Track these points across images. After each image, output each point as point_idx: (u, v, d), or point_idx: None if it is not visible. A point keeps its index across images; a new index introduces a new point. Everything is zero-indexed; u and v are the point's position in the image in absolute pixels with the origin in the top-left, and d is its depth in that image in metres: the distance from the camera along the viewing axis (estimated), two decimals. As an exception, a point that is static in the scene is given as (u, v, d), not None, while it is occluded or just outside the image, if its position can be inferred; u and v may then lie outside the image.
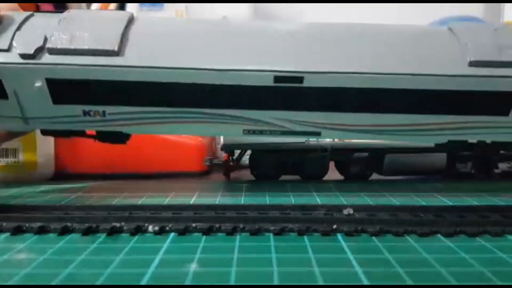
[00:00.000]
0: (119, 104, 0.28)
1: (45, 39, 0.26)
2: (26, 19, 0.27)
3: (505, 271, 0.19)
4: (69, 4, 0.54)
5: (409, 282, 0.18)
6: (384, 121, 0.28)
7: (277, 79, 0.26)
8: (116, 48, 0.26)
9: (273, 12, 0.67)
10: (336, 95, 0.27)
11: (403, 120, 0.28)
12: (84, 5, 0.54)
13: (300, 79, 0.26)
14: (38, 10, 0.53)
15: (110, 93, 0.27)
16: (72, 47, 0.26)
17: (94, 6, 0.54)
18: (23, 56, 0.26)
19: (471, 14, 0.54)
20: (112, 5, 0.53)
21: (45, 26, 0.27)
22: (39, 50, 0.26)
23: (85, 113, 0.28)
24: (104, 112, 0.28)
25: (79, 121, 0.28)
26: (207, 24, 0.28)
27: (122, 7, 0.53)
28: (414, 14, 0.65)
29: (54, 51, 0.26)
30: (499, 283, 0.18)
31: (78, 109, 0.28)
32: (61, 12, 0.29)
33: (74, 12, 0.28)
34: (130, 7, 0.53)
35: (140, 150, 0.42)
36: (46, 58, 0.26)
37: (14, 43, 0.26)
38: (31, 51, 0.26)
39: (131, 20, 0.28)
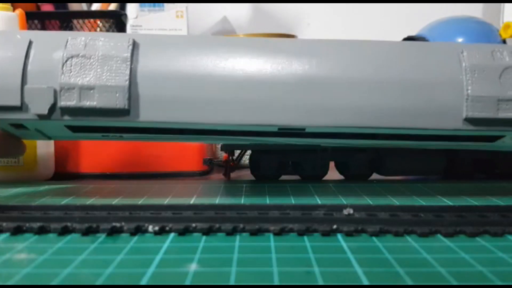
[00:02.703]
0: (135, 133, 0.29)
1: (55, 93, 0.26)
2: (26, 55, 0.26)
3: (506, 271, 0.19)
4: (70, 4, 0.54)
5: (409, 282, 0.18)
6: (380, 144, 0.31)
7: (280, 128, 0.27)
8: (126, 106, 0.26)
9: (273, 12, 0.67)
10: (336, 134, 0.29)
11: (399, 144, 0.30)
12: (84, 5, 0.55)
13: (302, 129, 0.27)
14: (38, 10, 0.53)
15: (125, 129, 0.28)
16: (82, 105, 0.26)
17: (95, 6, 0.54)
18: (39, 116, 0.26)
19: (471, 14, 0.54)
20: (113, 5, 0.53)
21: (51, 71, 0.26)
22: (52, 109, 0.26)
23: (104, 136, 0.30)
24: (121, 136, 0.29)
25: (98, 138, 0.31)
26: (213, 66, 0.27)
27: (122, 7, 0.53)
28: (414, 14, 0.65)
29: (66, 111, 0.26)
30: (499, 283, 0.18)
31: (97, 135, 0.29)
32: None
33: (73, 44, 0.27)
34: (130, 7, 0.53)
35: (140, 150, 0.42)
36: (61, 115, 0.26)
37: (25, 101, 0.26)
38: (45, 112, 0.26)
39: (134, 49, 0.27)
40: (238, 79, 0.27)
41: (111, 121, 0.27)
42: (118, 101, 0.26)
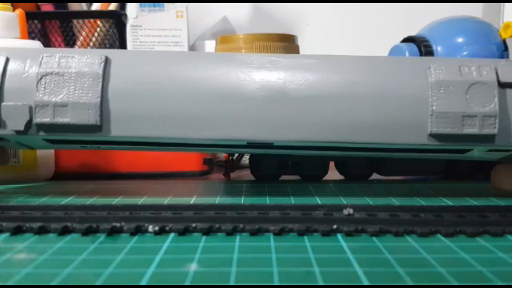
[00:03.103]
0: (113, 145, 0.30)
1: (30, 110, 0.27)
2: (3, 72, 0.27)
3: (506, 271, 0.19)
4: (70, 4, 0.54)
5: (409, 282, 0.18)
6: (351, 154, 0.32)
7: (249, 142, 0.28)
8: (98, 122, 0.27)
9: (273, 12, 0.67)
10: (303, 147, 0.29)
11: (369, 155, 0.31)
12: (84, 5, 0.55)
13: (270, 143, 0.28)
14: (38, 10, 0.53)
15: (102, 142, 0.29)
16: (56, 121, 0.27)
17: (95, 6, 0.54)
18: (16, 132, 0.27)
19: (471, 14, 0.54)
20: (112, 5, 0.53)
21: (26, 89, 0.27)
22: (29, 125, 0.27)
23: (83, 147, 0.31)
24: (99, 147, 0.31)
25: (77, 148, 0.32)
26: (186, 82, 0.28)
27: (122, 7, 0.53)
28: (414, 14, 0.65)
29: (41, 127, 0.27)
30: (499, 283, 0.18)
31: (76, 146, 0.31)
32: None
33: (47, 62, 0.27)
34: (130, 7, 0.53)
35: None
36: (36, 131, 0.27)
37: (2, 117, 0.27)
38: (22, 128, 0.27)
39: (106, 66, 0.28)
40: (207, 95, 0.27)
41: (84, 136, 0.28)
42: (90, 118, 0.27)
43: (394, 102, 0.27)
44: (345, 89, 0.27)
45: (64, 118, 0.27)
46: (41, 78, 0.27)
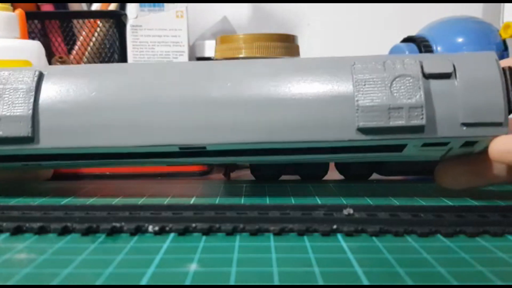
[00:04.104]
0: (53, 160, 0.31)
1: None
2: None
3: (506, 271, 0.19)
4: (70, 4, 0.54)
5: (409, 282, 0.18)
6: (287, 160, 0.32)
7: (181, 148, 0.29)
8: (29, 134, 0.28)
9: (273, 12, 0.67)
10: (236, 150, 0.29)
11: (306, 158, 0.31)
12: (84, 5, 0.55)
13: (203, 147, 0.29)
14: (38, 10, 0.53)
15: (38, 158, 0.30)
16: None
17: (95, 6, 0.54)
18: None
19: (471, 14, 0.54)
20: (112, 5, 0.53)
21: None
22: None
23: (24, 165, 0.32)
24: (40, 164, 0.31)
25: (19, 167, 0.32)
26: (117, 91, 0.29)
27: (122, 7, 0.53)
28: (414, 14, 0.65)
29: None
30: (499, 283, 0.18)
31: (17, 164, 0.31)
32: None
33: None
34: (130, 7, 0.53)
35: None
36: None
37: None
38: None
39: (39, 80, 0.29)
40: (136, 103, 0.28)
41: (17, 149, 0.28)
42: (22, 130, 0.28)
43: (321, 100, 0.27)
44: (271, 90, 0.28)
45: None
46: None
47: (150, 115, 0.28)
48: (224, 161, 0.32)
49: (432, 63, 0.27)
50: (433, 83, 0.27)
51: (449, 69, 0.27)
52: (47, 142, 0.28)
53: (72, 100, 0.28)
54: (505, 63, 0.29)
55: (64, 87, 0.29)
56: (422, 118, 0.26)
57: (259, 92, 0.28)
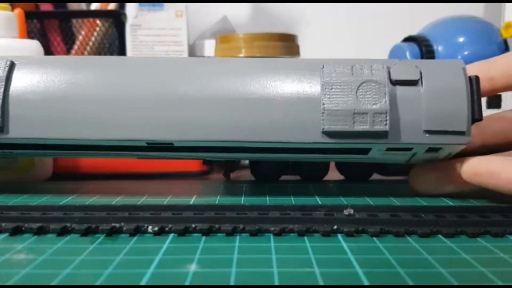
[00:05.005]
0: (25, 149, 0.31)
1: None
2: None
3: (507, 271, 0.19)
4: (69, 4, 0.54)
5: (410, 283, 0.17)
6: (256, 157, 0.32)
7: (149, 143, 0.29)
8: None
9: (273, 11, 0.67)
10: (203, 147, 0.30)
11: (273, 157, 0.32)
12: (83, 4, 0.54)
13: (170, 143, 0.29)
14: (37, 9, 0.53)
15: (7, 146, 0.30)
16: None
17: (94, 5, 0.54)
18: None
19: (472, 14, 0.54)
20: (112, 5, 0.53)
21: None
22: None
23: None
24: (11, 152, 0.31)
25: None
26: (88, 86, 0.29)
27: (121, 7, 0.53)
28: (414, 14, 0.65)
29: None
30: (500, 283, 0.17)
31: None
32: None
33: None
34: (130, 6, 0.53)
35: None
36: None
37: None
38: None
39: (10, 70, 0.29)
40: (105, 97, 0.28)
41: None
42: None
43: (288, 102, 0.27)
44: (239, 90, 0.28)
45: None
46: None
47: (118, 110, 0.28)
48: (191, 156, 0.32)
49: (400, 70, 0.27)
50: (399, 89, 0.27)
51: (415, 76, 0.27)
52: (16, 132, 0.28)
53: (42, 91, 0.28)
54: (474, 68, 0.29)
55: (35, 77, 0.29)
56: (385, 124, 0.26)
57: (227, 91, 0.28)
